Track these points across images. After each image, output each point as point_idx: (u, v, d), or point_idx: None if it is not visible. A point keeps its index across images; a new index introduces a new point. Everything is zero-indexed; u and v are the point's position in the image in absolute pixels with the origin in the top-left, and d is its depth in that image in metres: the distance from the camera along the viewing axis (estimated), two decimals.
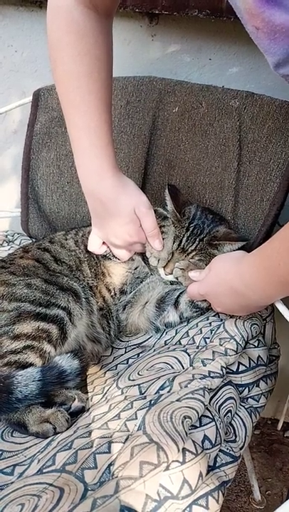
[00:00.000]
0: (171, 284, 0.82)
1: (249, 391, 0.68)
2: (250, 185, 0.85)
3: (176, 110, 0.91)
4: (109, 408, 0.59)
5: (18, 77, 1.11)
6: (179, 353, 0.67)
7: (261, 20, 0.43)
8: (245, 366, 0.68)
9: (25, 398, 0.61)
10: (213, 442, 0.54)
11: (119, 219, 0.75)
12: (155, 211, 0.77)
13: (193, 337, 0.72)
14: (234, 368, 0.67)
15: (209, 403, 0.58)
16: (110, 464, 0.46)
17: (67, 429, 0.60)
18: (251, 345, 0.71)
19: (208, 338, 0.69)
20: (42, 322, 0.69)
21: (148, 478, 0.44)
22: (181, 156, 0.92)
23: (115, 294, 0.85)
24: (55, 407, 0.63)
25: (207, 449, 0.52)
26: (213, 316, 0.76)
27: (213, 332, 0.70)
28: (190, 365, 0.64)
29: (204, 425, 0.54)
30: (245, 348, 0.69)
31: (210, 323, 0.74)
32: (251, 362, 0.69)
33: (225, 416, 0.60)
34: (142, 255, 0.84)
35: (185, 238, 0.80)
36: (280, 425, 1.35)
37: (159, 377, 0.62)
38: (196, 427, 0.54)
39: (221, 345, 0.66)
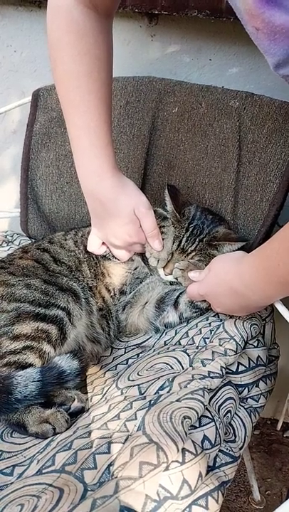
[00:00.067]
0: (171, 284, 0.82)
1: (249, 391, 0.68)
2: (249, 186, 0.85)
3: (176, 110, 0.91)
4: (108, 408, 0.59)
5: (17, 77, 1.11)
6: (179, 354, 0.67)
7: (261, 21, 0.43)
8: (245, 366, 0.68)
9: (25, 399, 0.61)
10: (213, 442, 0.54)
11: (119, 219, 0.75)
12: (155, 211, 0.77)
13: (192, 337, 0.72)
14: (234, 368, 0.67)
15: (209, 403, 0.58)
16: (110, 465, 0.46)
17: (67, 429, 0.60)
18: (251, 346, 0.71)
19: (208, 338, 0.69)
20: (41, 322, 0.69)
21: (148, 478, 0.44)
22: (180, 157, 0.92)
23: (115, 295, 0.84)
24: (55, 407, 0.63)
25: (207, 449, 0.52)
26: (213, 316, 0.76)
27: (213, 332, 0.70)
28: (190, 366, 0.64)
29: (204, 425, 0.54)
30: (244, 349, 0.69)
31: (209, 323, 0.74)
32: (251, 362, 0.69)
33: (224, 416, 0.60)
34: (142, 256, 0.84)
35: (185, 239, 0.80)
36: (279, 425, 1.35)
37: (158, 378, 0.62)
38: (195, 427, 0.54)
39: (221, 345, 0.66)
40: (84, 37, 0.67)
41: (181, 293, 0.79)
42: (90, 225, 0.80)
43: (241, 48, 0.98)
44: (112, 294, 0.84)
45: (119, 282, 0.84)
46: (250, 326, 0.70)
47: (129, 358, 0.76)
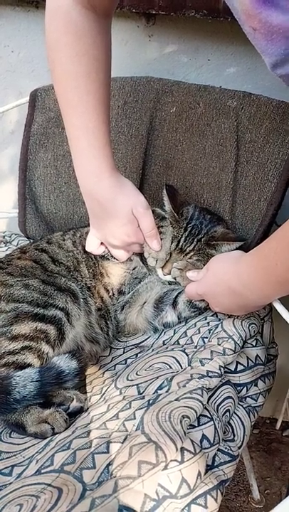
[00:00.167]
0: (170, 284, 0.83)
1: (247, 390, 0.68)
2: (247, 185, 0.86)
3: (174, 110, 0.92)
4: (107, 408, 0.59)
5: (14, 77, 1.11)
6: (178, 353, 0.67)
7: (258, 21, 0.43)
8: (244, 365, 0.68)
9: (24, 399, 0.61)
10: (212, 441, 0.54)
11: (117, 219, 0.75)
12: (153, 211, 0.78)
13: (191, 337, 0.72)
14: (232, 367, 0.67)
15: (207, 402, 0.58)
16: (109, 464, 0.46)
17: (66, 429, 0.60)
18: (249, 345, 0.71)
19: (207, 337, 0.69)
20: (40, 323, 0.69)
21: (146, 477, 0.44)
22: (178, 157, 0.92)
23: (113, 295, 0.85)
24: (54, 407, 0.63)
25: (205, 448, 0.53)
26: (211, 315, 0.76)
27: (212, 332, 0.70)
28: (188, 365, 0.64)
29: (202, 424, 0.54)
30: (243, 348, 0.69)
31: (208, 322, 0.74)
32: (249, 361, 0.69)
33: (223, 415, 0.60)
34: (140, 255, 0.84)
35: (183, 238, 0.80)
36: (278, 424, 1.35)
37: (157, 377, 0.62)
38: (194, 427, 0.54)
39: (219, 344, 0.66)
40: (82, 38, 0.67)
41: (179, 293, 0.79)
42: (89, 225, 0.80)
43: (239, 47, 0.98)
44: (110, 294, 0.84)
45: (118, 282, 0.85)
46: (249, 325, 0.70)
47: (128, 358, 0.76)
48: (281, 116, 0.82)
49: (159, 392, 0.58)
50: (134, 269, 0.85)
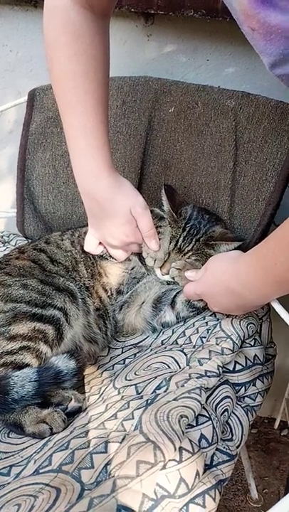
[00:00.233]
0: (168, 284, 0.83)
1: (246, 390, 0.68)
2: (246, 185, 0.86)
3: (172, 110, 0.92)
4: (105, 408, 0.59)
5: (13, 76, 1.11)
6: (176, 353, 0.67)
7: (257, 22, 0.43)
8: (242, 365, 0.68)
9: (22, 399, 0.61)
10: (210, 441, 0.54)
11: (116, 219, 0.75)
12: (151, 211, 0.78)
13: (189, 336, 0.72)
14: (231, 367, 0.67)
15: (206, 402, 0.58)
16: (107, 464, 0.46)
17: (64, 429, 0.60)
18: (248, 345, 0.71)
19: (205, 337, 0.69)
20: (38, 323, 0.69)
21: (145, 477, 0.44)
22: (177, 156, 0.92)
23: (112, 294, 0.84)
24: (52, 407, 0.63)
25: (204, 447, 0.53)
26: (210, 315, 0.76)
27: (210, 331, 0.70)
28: (187, 365, 0.64)
29: (201, 424, 0.54)
30: (241, 347, 0.69)
31: (206, 322, 0.74)
32: (248, 361, 0.69)
33: (221, 415, 0.60)
34: (139, 255, 0.84)
35: (181, 238, 0.80)
36: (276, 424, 1.35)
37: (155, 377, 0.62)
38: (192, 426, 0.54)
39: (218, 344, 0.66)
40: (80, 37, 0.67)
41: (178, 292, 0.79)
42: (87, 225, 0.80)
43: (237, 47, 0.98)
44: (109, 293, 0.84)
45: (116, 282, 0.84)
46: (247, 325, 0.70)
47: (127, 358, 0.76)
48: (280, 116, 0.82)
49: (158, 391, 0.58)
50: (132, 269, 0.85)
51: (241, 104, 0.86)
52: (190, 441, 0.51)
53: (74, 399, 0.64)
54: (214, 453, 0.55)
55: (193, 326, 0.75)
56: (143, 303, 0.82)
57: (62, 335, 0.71)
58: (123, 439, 0.49)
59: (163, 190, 0.82)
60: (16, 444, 0.60)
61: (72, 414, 0.63)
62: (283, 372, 1.20)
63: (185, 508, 0.46)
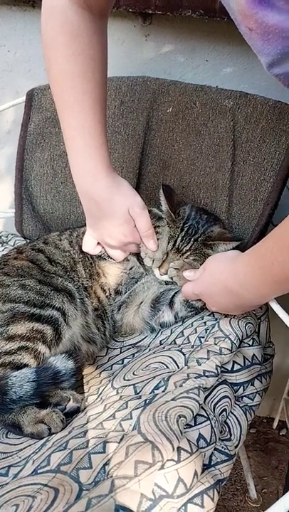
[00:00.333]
0: (166, 284, 0.83)
1: (244, 390, 0.68)
2: (244, 185, 0.86)
3: (170, 110, 0.92)
4: (104, 408, 0.59)
5: (11, 76, 1.10)
6: (174, 353, 0.67)
7: (254, 22, 0.43)
8: (240, 365, 0.68)
9: (20, 399, 0.61)
10: (208, 441, 0.54)
11: (114, 219, 0.75)
12: (150, 211, 0.78)
13: (188, 336, 0.72)
14: (229, 366, 0.67)
15: (204, 402, 0.58)
16: (105, 464, 0.46)
17: (62, 429, 0.60)
18: (246, 344, 0.71)
19: (203, 337, 0.69)
20: (36, 323, 0.69)
21: (143, 477, 0.44)
22: (175, 156, 0.92)
23: (110, 295, 0.84)
24: (50, 407, 0.63)
25: (202, 447, 0.53)
26: (208, 315, 0.76)
27: (208, 331, 0.70)
28: (185, 365, 0.64)
29: (199, 424, 0.55)
30: (239, 347, 0.69)
31: (205, 322, 0.74)
32: (246, 361, 0.69)
33: (220, 415, 0.60)
34: (137, 255, 0.84)
35: (180, 238, 0.80)
36: (275, 424, 1.35)
37: (154, 377, 0.62)
38: (190, 426, 0.54)
39: (216, 344, 0.66)
40: (78, 37, 0.67)
41: (176, 292, 0.79)
42: (85, 225, 0.80)
43: (235, 47, 0.98)
44: (107, 294, 0.84)
45: (115, 282, 0.84)
46: (245, 325, 0.70)
47: (125, 358, 0.76)
48: (277, 116, 0.82)
49: (156, 391, 0.58)
50: (130, 269, 0.85)
51: (239, 104, 0.86)
52: (188, 441, 0.51)
53: (72, 399, 0.64)
54: (212, 453, 0.55)
55: (192, 325, 0.75)
56: (141, 303, 0.82)
57: (61, 335, 0.71)
58: (121, 439, 0.49)
59: (161, 190, 0.82)
60: (15, 445, 0.60)
61: (70, 415, 0.63)
62: (282, 371, 1.20)
63: (183, 508, 0.46)
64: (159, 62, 1.03)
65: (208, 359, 0.63)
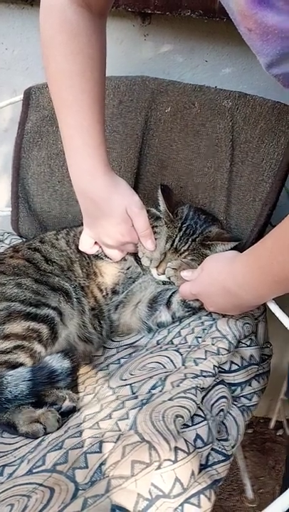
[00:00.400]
0: (164, 283, 0.82)
1: (241, 390, 0.68)
2: (242, 186, 0.86)
3: (169, 110, 0.92)
4: (100, 408, 0.59)
5: (9, 75, 1.10)
6: (171, 353, 0.67)
7: (254, 22, 0.43)
8: (238, 365, 0.68)
9: (15, 398, 0.61)
10: (205, 441, 0.54)
11: (111, 219, 0.74)
12: (148, 211, 0.77)
13: (185, 336, 0.72)
14: (226, 367, 0.67)
15: (201, 402, 0.58)
16: (102, 464, 0.46)
17: (58, 429, 0.59)
18: (243, 345, 0.71)
19: (201, 337, 0.69)
20: (32, 322, 0.69)
21: (140, 477, 0.44)
22: (173, 156, 0.92)
23: (107, 294, 0.84)
24: (46, 407, 0.62)
25: (199, 447, 0.52)
26: (206, 315, 0.76)
27: (206, 331, 0.70)
28: (182, 365, 0.64)
29: (196, 424, 0.54)
30: (237, 347, 0.69)
31: (202, 322, 0.74)
32: (243, 361, 0.69)
33: (217, 415, 0.60)
34: (135, 255, 0.84)
35: (178, 238, 0.80)
36: (272, 424, 1.36)
37: (151, 377, 0.61)
38: (188, 426, 0.54)
39: (213, 344, 0.66)
40: (77, 36, 0.67)
41: (173, 292, 0.79)
42: (82, 224, 0.80)
43: (234, 48, 0.99)
44: (104, 293, 0.84)
45: (112, 282, 0.84)
46: (243, 325, 0.70)
47: (122, 358, 0.76)
48: (276, 116, 0.83)
49: (153, 391, 0.58)
50: (128, 268, 0.85)
51: (238, 104, 0.86)
52: (185, 441, 0.50)
53: (68, 398, 0.64)
54: (209, 453, 0.55)
55: (189, 325, 0.75)
56: (138, 303, 0.82)
57: (57, 334, 0.71)
58: (118, 439, 0.49)
59: (159, 190, 0.82)
60: (10, 444, 0.60)
61: (66, 414, 0.63)
62: (279, 372, 1.20)
63: (180, 508, 0.46)
64: (158, 62, 1.03)
65: (205, 359, 0.63)
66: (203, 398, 0.59)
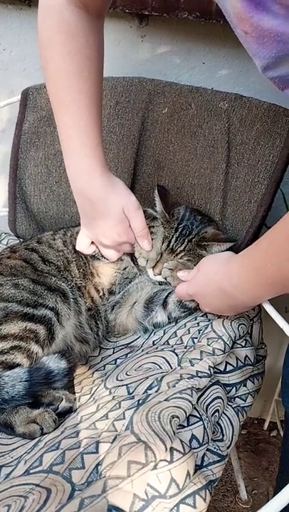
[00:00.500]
0: (160, 284, 0.83)
1: (236, 390, 0.68)
2: (238, 187, 0.86)
3: (166, 111, 0.92)
4: (97, 408, 0.59)
5: (6, 75, 1.10)
6: (167, 353, 0.68)
7: (250, 25, 0.44)
8: (233, 366, 0.69)
9: (12, 399, 0.61)
10: (201, 441, 0.54)
11: (108, 219, 0.75)
12: (144, 212, 0.78)
13: (181, 337, 0.72)
14: (222, 367, 0.67)
15: (197, 403, 0.58)
16: (98, 464, 0.46)
17: (55, 429, 0.60)
18: (238, 345, 0.71)
19: (196, 338, 0.70)
20: (29, 322, 0.69)
21: (136, 477, 0.44)
22: (170, 157, 0.93)
23: (104, 295, 0.84)
24: (43, 407, 0.62)
25: (195, 448, 0.53)
26: (201, 316, 0.76)
27: (201, 332, 0.71)
28: (178, 365, 0.64)
29: (192, 424, 0.55)
30: (232, 348, 0.70)
31: (198, 323, 0.74)
32: (238, 362, 0.70)
33: (212, 415, 0.60)
34: (131, 256, 0.84)
35: (174, 239, 0.80)
36: (266, 425, 1.36)
37: (147, 377, 0.62)
38: (183, 427, 0.54)
39: (209, 345, 0.66)
40: (75, 36, 0.67)
41: (169, 293, 0.80)
42: (79, 224, 0.80)
43: (231, 50, 0.99)
44: (101, 293, 0.84)
45: (108, 282, 0.84)
46: (238, 326, 0.71)
47: (118, 358, 0.76)
48: (272, 118, 0.83)
49: (149, 392, 0.58)
50: (124, 269, 0.85)
51: (234, 106, 0.86)
52: (181, 441, 0.51)
53: (65, 399, 0.64)
54: (205, 453, 0.55)
55: (185, 326, 0.75)
56: (135, 303, 0.82)
57: (54, 335, 0.71)
58: (114, 440, 0.49)
59: (156, 191, 0.82)
60: (6, 445, 0.60)
61: (63, 415, 0.63)
62: (273, 373, 1.21)
63: (176, 508, 0.46)
64: (155, 63, 1.03)
65: (201, 360, 0.63)
66: (198, 399, 0.59)
